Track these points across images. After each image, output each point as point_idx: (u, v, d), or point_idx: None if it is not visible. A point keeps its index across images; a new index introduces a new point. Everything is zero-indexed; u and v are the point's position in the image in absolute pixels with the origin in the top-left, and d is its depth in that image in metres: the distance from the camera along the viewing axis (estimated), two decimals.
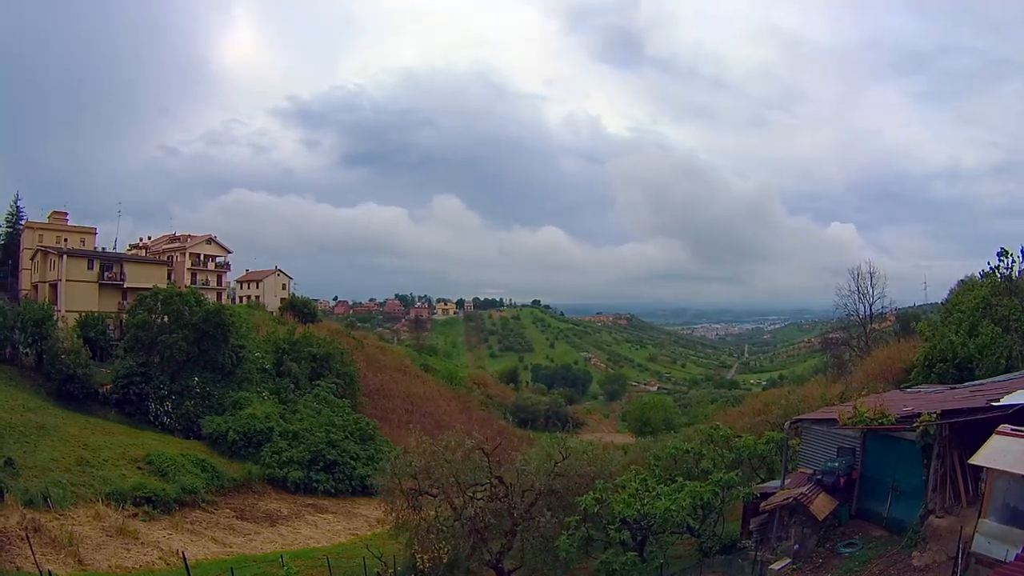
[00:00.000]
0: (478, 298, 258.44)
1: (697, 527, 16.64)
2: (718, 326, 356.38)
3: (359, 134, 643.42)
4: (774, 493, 15.61)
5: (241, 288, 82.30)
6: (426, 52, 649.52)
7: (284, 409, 42.66)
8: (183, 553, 20.65)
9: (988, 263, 25.21)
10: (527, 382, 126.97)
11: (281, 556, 24.02)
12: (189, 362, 41.48)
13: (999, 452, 10.66)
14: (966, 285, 30.26)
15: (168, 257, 68.58)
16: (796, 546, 14.16)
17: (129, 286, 55.12)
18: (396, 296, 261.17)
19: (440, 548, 18.77)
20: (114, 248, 68.04)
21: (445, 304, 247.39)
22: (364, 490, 37.02)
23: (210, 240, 72.56)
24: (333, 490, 37.99)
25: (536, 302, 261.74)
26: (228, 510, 31.63)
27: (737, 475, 17.24)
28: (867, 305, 42.95)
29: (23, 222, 65.44)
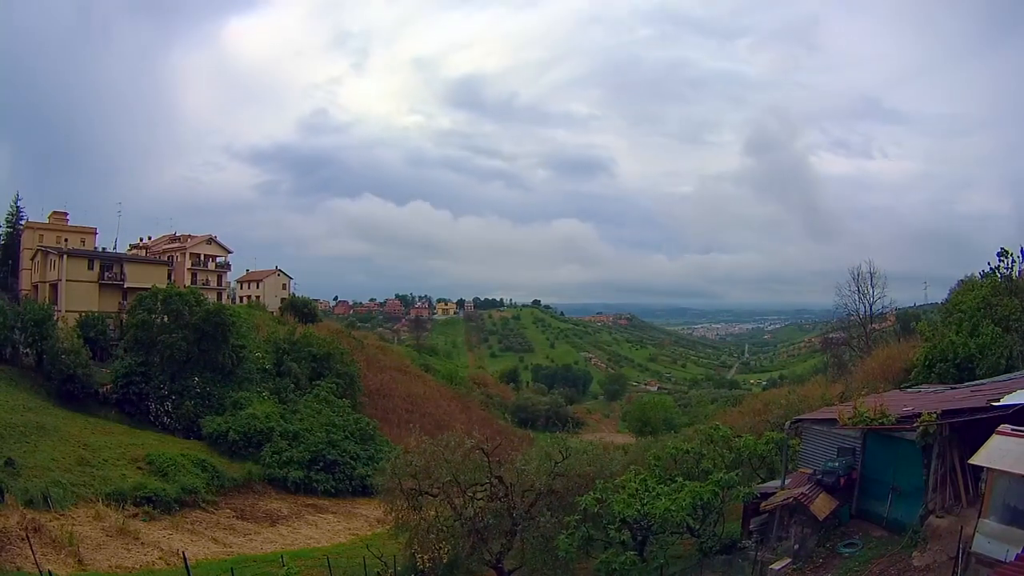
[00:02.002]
0: (478, 298, 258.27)
1: (697, 527, 16.61)
2: (718, 326, 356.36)
3: (308, 166, 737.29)
4: (774, 493, 15.59)
5: (241, 288, 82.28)
6: (330, 107, 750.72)
7: (284, 409, 42.66)
8: (183, 553, 20.65)
9: (988, 263, 25.28)
10: (527, 382, 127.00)
11: (281, 556, 24.04)
12: (189, 362, 41.48)
13: (999, 452, 10.65)
14: (966, 285, 30.20)
15: (168, 257, 68.57)
16: (796, 546, 14.15)
17: (129, 286, 55.12)
18: (396, 296, 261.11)
19: (440, 548, 18.80)
20: (114, 248, 68.09)
21: (445, 304, 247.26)
22: (364, 490, 37.05)
23: (210, 240, 72.55)
24: (333, 490, 38.02)
25: (536, 302, 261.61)
26: (228, 510, 31.66)
27: (737, 475, 17.19)
28: (867, 305, 42.93)
29: (23, 222, 65.43)
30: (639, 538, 16.54)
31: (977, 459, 10.99)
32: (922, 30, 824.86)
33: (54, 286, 54.52)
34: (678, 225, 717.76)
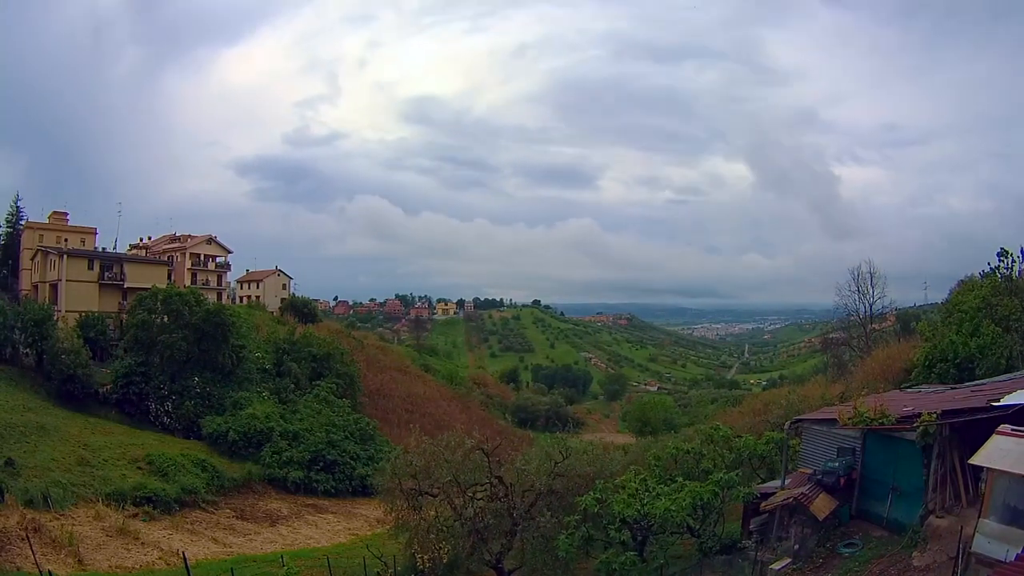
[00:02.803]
0: (478, 298, 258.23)
1: (697, 527, 16.63)
2: (718, 326, 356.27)
3: (298, 174, 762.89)
4: (774, 493, 15.59)
5: (241, 288, 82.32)
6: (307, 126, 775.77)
7: (284, 409, 42.68)
8: (183, 553, 20.65)
9: (988, 263, 25.26)
10: (527, 382, 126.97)
11: (281, 556, 24.02)
12: (189, 362, 41.48)
13: (999, 452, 10.65)
14: (966, 285, 30.19)
15: (168, 257, 68.55)
16: (796, 546, 14.15)
17: (129, 286, 55.08)
18: (396, 296, 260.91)
19: (440, 548, 18.77)
20: (114, 248, 68.07)
21: (445, 304, 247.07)
22: (364, 490, 37.05)
23: (210, 240, 72.54)
24: (333, 490, 38.03)
25: (536, 302, 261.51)
26: (228, 510, 31.67)
27: (737, 475, 17.20)
28: (867, 305, 42.97)
29: (23, 222, 65.41)
30: (639, 538, 16.54)
31: (977, 459, 10.98)
32: (866, 50, 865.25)
33: (54, 286, 54.51)
34: (673, 227, 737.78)
